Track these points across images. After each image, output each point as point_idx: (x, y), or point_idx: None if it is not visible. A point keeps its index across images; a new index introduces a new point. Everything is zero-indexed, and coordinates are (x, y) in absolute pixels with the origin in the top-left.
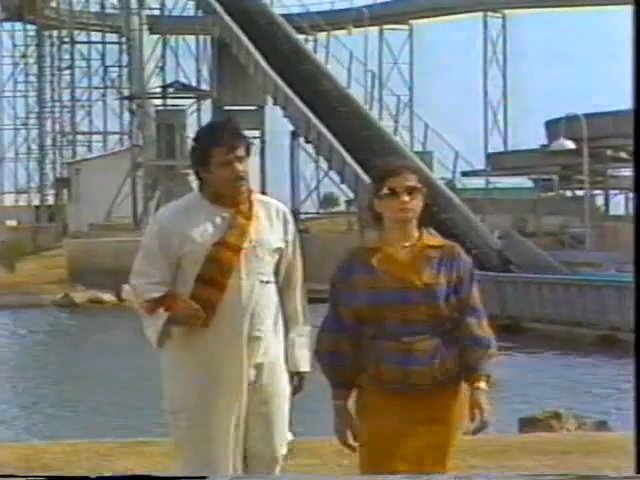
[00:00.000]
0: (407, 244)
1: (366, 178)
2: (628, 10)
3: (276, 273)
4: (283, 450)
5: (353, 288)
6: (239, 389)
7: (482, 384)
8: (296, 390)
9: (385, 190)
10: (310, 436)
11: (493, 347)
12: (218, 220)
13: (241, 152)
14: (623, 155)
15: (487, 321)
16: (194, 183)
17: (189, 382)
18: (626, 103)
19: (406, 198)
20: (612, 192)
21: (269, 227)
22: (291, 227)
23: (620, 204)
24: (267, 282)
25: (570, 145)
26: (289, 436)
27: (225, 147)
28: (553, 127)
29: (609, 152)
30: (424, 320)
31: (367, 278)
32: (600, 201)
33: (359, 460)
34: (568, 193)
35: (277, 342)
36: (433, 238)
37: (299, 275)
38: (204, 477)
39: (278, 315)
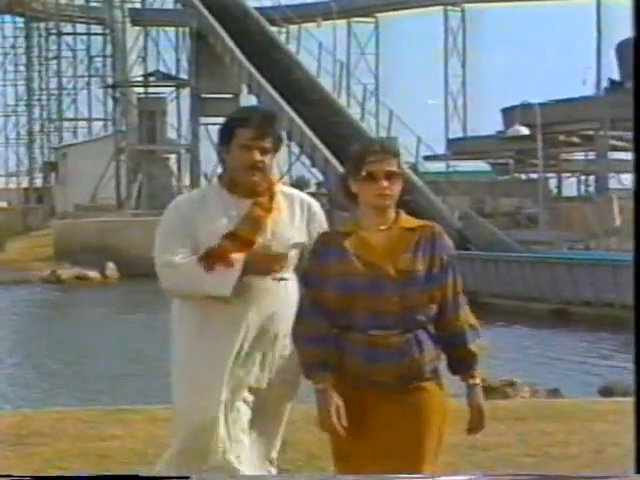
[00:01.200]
0: (382, 227)
1: (335, 162)
2: (582, 4)
3: (297, 270)
4: (274, 453)
5: (325, 273)
6: (237, 388)
7: (477, 380)
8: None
9: (363, 173)
10: None
11: (480, 337)
12: (233, 211)
13: (267, 143)
14: (575, 140)
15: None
16: (174, 167)
17: (193, 377)
18: (577, 91)
19: (385, 183)
20: (564, 175)
21: (289, 221)
22: (317, 220)
23: (572, 186)
24: (281, 279)
25: (524, 131)
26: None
27: (251, 130)
28: (509, 114)
29: (561, 137)
30: (396, 312)
31: (338, 263)
32: (553, 184)
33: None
34: (523, 176)
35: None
36: (410, 220)
37: None
38: (187, 477)
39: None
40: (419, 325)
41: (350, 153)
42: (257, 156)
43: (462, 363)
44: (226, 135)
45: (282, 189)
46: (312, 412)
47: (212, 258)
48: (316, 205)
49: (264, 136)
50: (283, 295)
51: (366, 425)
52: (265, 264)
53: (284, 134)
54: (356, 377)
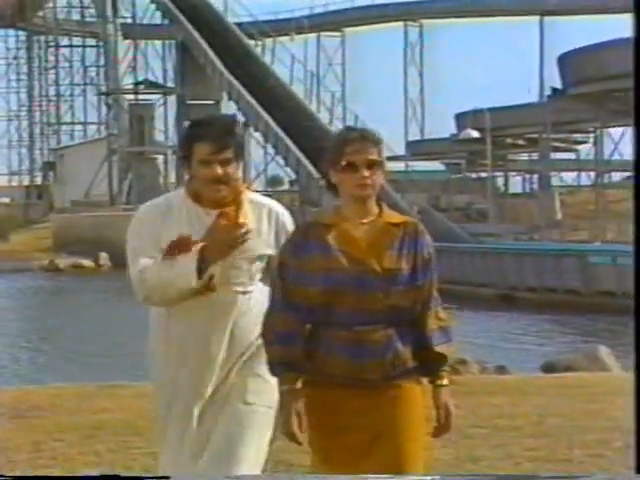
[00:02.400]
0: (365, 220)
1: (306, 162)
2: (527, 21)
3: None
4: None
5: (305, 267)
6: (203, 397)
7: (445, 381)
8: None
9: (343, 162)
10: None
11: (451, 339)
12: (198, 222)
13: (227, 154)
14: (520, 142)
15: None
16: (161, 166)
17: (166, 386)
18: (522, 99)
19: (366, 173)
20: (511, 174)
21: (256, 232)
22: (286, 230)
23: (518, 184)
24: (244, 293)
25: (475, 134)
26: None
27: (209, 145)
28: (461, 119)
29: (508, 140)
30: (380, 308)
31: (321, 257)
32: (500, 181)
33: (310, 457)
34: (474, 175)
35: (261, 354)
36: (394, 214)
37: None
38: (167, 477)
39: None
40: (403, 322)
41: (330, 143)
42: (218, 170)
43: (430, 364)
44: (185, 151)
45: (250, 197)
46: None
47: (174, 250)
48: (284, 214)
49: (223, 148)
50: (246, 308)
51: (346, 425)
52: (226, 236)
53: (260, 136)
54: (337, 375)
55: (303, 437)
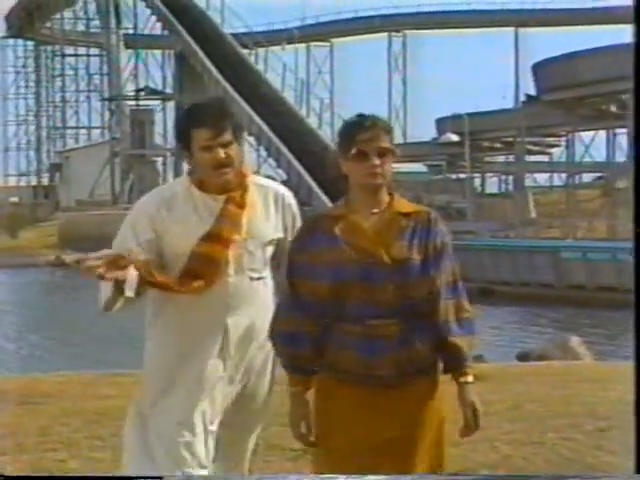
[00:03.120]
0: (375, 211)
1: (297, 163)
2: (503, 32)
3: (276, 265)
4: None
5: (313, 261)
6: (214, 390)
7: (470, 377)
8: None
9: (353, 151)
10: None
11: (475, 332)
12: (206, 209)
13: (227, 136)
14: (497, 145)
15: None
16: (161, 168)
17: (164, 371)
18: (499, 104)
19: (377, 161)
20: (488, 175)
21: (264, 216)
22: (292, 212)
23: (494, 184)
24: (259, 279)
25: (455, 138)
26: (251, 444)
27: (207, 129)
28: (442, 123)
29: (485, 143)
30: (392, 301)
31: (329, 250)
32: (478, 182)
33: (312, 457)
34: (453, 176)
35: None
36: (406, 204)
37: None
38: (160, 477)
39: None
40: (417, 315)
41: (340, 131)
42: (221, 154)
43: (452, 358)
44: (184, 139)
45: (255, 181)
46: None
47: (109, 266)
48: (290, 196)
49: (222, 131)
50: (258, 294)
51: (356, 424)
52: (236, 221)
53: (253, 139)
54: (349, 372)
55: (311, 437)
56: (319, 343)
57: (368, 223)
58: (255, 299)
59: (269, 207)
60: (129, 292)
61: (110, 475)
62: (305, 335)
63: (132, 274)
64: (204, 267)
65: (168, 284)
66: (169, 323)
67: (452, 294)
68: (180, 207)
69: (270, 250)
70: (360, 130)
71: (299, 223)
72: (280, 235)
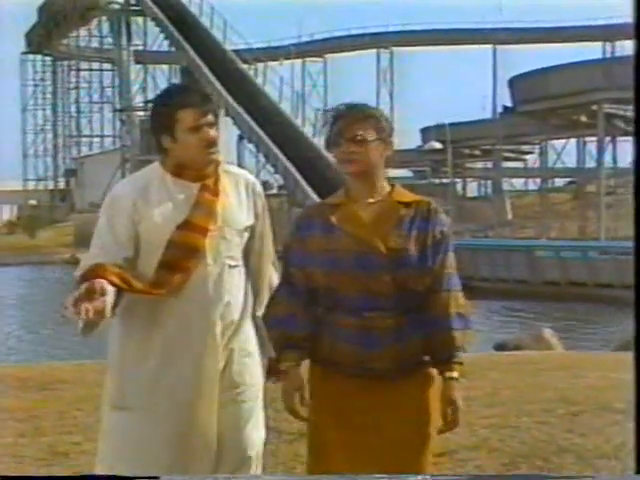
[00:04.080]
0: (373, 200)
1: (293, 169)
2: (481, 48)
3: (247, 252)
4: (259, 445)
5: (307, 249)
6: (209, 384)
7: (455, 373)
8: (269, 376)
9: (333, 136)
10: None
11: (470, 327)
12: (181, 197)
13: (211, 117)
14: (476, 152)
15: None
16: None
17: (146, 375)
18: (479, 115)
19: (351, 148)
20: (468, 180)
21: (237, 203)
22: (262, 199)
23: (474, 189)
24: (235, 266)
25: (438, 146)
26: (263, 433)
27: (195, 109)
28: (426, 133)
29: (466, 151)
30: (388, 292)
31: (324, 238)
32: (460, 187)
33: (307, 446)
34: (437, 181)
35: (249, 329)
36: (405, 193)
37: (270, 251)
38: (156, 477)
39: (248, 300)
40: (414, 307)
41: (328, 119)
42: (210, 132)
43: (440, 352)
44: (166, 122)
45: (226, 168)
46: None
47: (83, 279)
48: (258, 184)
49: (208, 112)
50: (235, 281)
51: (350, 417)
52: (213, 209)
53: (253, 146)
54: (344, 363)
55: (304, 411)
56: (312, 328)
57: (366, 212)
58: (233, 286)
59: (241, 194)
60: (109, 314)
61: (110, 475)
62: (299, 317)
63: (109, 299)
64: (182, 256)
65: (146, 290)
66: (147, 318)
67: (449, 286)
68: (155, 195)
69: (245, 237)
70: (336, 118)
71: (265, 209)
72: (252, 222)
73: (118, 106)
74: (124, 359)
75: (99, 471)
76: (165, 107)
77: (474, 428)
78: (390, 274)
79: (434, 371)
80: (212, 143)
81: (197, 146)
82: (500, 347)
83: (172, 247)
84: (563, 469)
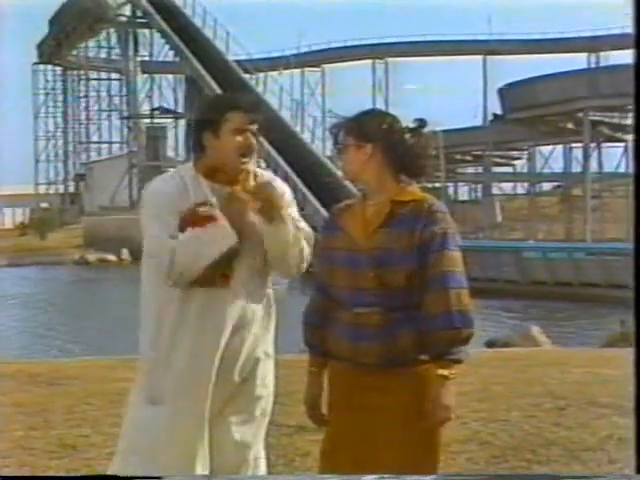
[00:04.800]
0: (377, 201)
1: (293, 175)
2: (472, 59)
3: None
4: (261, 463)
5: (323, 248)
6: (219, 386)
7: (445, 371)
8: None
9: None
10: None
11: (467, 326)
12: (213, 200)
13: (256, 127)
14: (467, 158)
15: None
16: None
17: (180, 373)
18: (470, 122)
19: (341, 158)
20: (459, 184)
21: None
22: (293, 208)
23: (465, 193)
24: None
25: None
26: (262, 453)
27: (245, 113)
28: None
29: (458, 156)
30: (374, 289)
31: (330, 238)
32: (451, 190)
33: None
34: (429, 185)
35: (269, 335)
36: (409, 192)
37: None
38: (159, 477)
39: (270, 304)
40: (401, 305)
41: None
42: (252, 139)
43: (432, 349)
44: (215, 120)
45: (258, 174)
46: None
47: (200, 221)
48: (289, 192)
49: (256, 120)
50: (259, 285)
51: (354, 406)
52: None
53: None
54: (341, 357)
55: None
56: (325, 326)
57: (365, 212)
58: (260, 290)
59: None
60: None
61: (110, 475)
62: (318, 314)
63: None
64: (224, 260)
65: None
66: (188, 316)
67: (445, 284)
68: (191, 196)
69: None
70: (331, 129)
71: (294, 215)
72: None
73: (125, 114)
74: (161, 355)
75: (122, 464)
76: (218, 105)
77: (465, 421)
78: (373, 271)
79: (427, 368)
80: (250, 151)
81: (235, 150)
82: (490, 344)
83: None
84: (550, 461)
